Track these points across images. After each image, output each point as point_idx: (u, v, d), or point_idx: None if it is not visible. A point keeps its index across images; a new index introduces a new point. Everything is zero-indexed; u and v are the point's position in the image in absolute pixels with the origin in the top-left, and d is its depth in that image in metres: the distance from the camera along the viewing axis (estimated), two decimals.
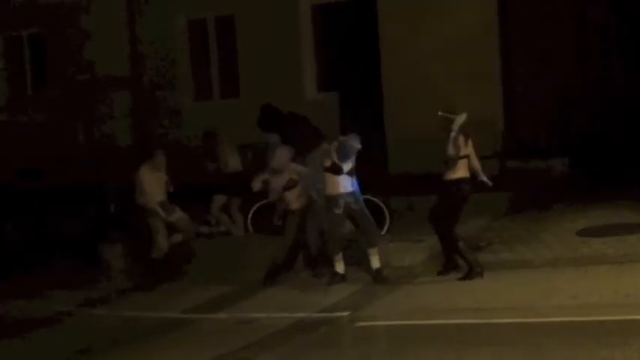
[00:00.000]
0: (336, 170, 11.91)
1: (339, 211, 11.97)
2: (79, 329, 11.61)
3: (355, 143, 11.90)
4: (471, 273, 11.52)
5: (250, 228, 14.69)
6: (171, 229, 13.81)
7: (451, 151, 11.38)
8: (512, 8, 15.93)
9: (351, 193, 12.01)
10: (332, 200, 12.00)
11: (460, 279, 11.53)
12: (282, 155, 12.75)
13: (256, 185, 12.86)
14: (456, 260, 11.84)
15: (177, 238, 13.87)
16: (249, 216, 14.70)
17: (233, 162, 14.99)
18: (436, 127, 11.50)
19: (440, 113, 11.52)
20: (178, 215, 13.76)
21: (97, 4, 19.10)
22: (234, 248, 14.07)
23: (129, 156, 18.54)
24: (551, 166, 15.17)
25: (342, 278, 12.14)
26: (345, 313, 10.76)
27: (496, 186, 12.24)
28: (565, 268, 11.55)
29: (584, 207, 13.96)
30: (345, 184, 11.97)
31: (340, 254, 12.15)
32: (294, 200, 12.62)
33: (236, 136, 15.33)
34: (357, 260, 12.46)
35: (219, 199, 14.95)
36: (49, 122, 19.47)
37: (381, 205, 13.69)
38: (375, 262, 12.03)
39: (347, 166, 11.96)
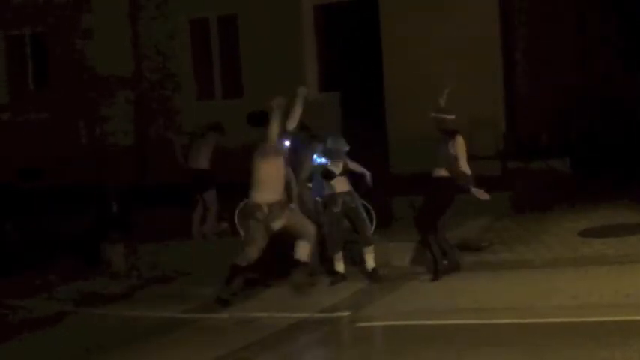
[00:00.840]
0: (329, 176, 12.08)
1: (337, 209, 12.08)
2: (79, 329, 11.61)
3: (339, 145, 12.05)
4: (437, 272, 11.60)
5: (240, 230, 13.72)
6: None
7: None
8: (512, 9, 15.94)
9: (348, 192, 12.14)
10: (331, 199, 12.13)
11: (432, 279, 11.61)
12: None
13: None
14: (456, 260, 11.86)
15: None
16: (235, 218, 14.24)
17: (193, 160, 14.83)
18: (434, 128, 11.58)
19: (432, 114, 11.60)
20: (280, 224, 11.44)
21: (99, 3, 19.10)
22: (235, 248, 14.03)
23: (129, 156, 18.58)
24: (552, 167, 15.16)
25: (343, 278, 12.16)
26: (346, 313, 10.78)
27: (497, 186, 12.25)
28: (565, 269, 11.55)
29: (584, 207, 13.95)
30: (341, 184, 12.11)
31: (340, 253, 12.19)
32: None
33: (237, 136, 15.31)
34: (357, 260, 12.47)
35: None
36: (50, 122, 19.44)
37: (368, 206, 13.61)
38: (371, 262, 12.07)
39: (337, 168, 12.08)
